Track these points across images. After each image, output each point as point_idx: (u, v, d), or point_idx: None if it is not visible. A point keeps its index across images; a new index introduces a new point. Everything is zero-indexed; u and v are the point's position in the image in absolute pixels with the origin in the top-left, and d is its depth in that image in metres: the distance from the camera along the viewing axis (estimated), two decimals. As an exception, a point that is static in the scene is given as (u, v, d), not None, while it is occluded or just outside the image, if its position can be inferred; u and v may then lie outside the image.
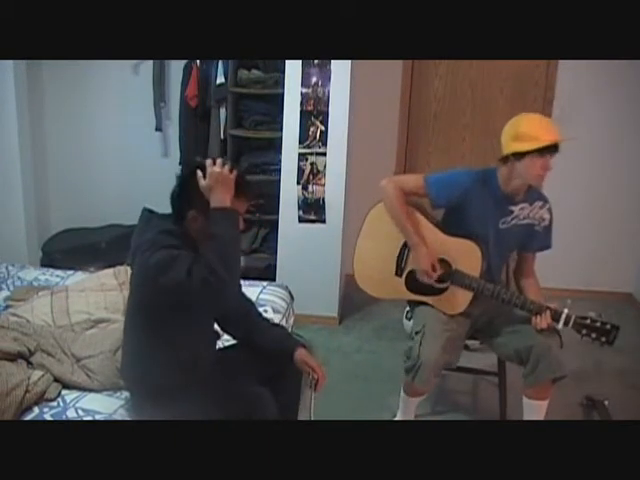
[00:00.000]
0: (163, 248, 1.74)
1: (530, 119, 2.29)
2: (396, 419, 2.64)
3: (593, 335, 2.22)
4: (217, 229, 1.75)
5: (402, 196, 2.40)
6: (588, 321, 2.23)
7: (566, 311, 2.23)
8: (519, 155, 2.25)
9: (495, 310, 2.46)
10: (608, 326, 2.23)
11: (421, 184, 2.39)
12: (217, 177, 1.79)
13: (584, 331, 2.23)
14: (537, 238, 2.47)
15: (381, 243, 2.51)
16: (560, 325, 2.23)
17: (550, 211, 2.47)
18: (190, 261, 1.70)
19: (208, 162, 1.82)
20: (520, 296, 2.35)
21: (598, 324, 2.22)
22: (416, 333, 2.36)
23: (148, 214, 1.94)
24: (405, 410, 2.58)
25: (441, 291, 2.42)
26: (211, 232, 1.75)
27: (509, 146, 2.29)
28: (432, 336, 2.31)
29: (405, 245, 2.46)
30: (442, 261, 2.40)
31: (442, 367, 2.35)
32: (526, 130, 2.25)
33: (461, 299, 2.39)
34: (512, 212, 2.40)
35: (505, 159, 2.32)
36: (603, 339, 2.22)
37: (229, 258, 1.72)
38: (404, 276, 2.49)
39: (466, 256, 2.37)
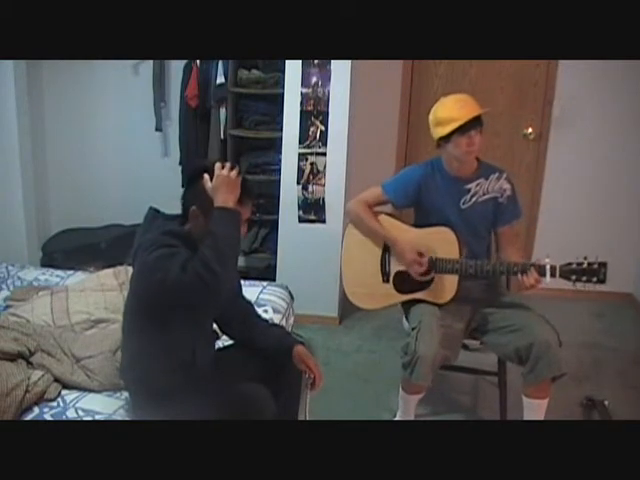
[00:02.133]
0: (162, 247, 1.75)
1: (445, 102, 2.39)
2: (396, 419, 2.64)
3: (584, 278, 2.23)
4: (217, 228, 1.75)
5: (367, 207, 2.54)
6: (574, 266, 2.24)
7: (548, 261, 2.24)
8: (445, 138, 2.36)
9: (490, 307, 2.47)
10: (595, 265, 2.23)
11: (380, 192, 2.54)
12: (224, 179, 1.80)
13: (573, 277, 2.24)
14: (505, 210, 2.49)
15: (362, 259, 2.59)
16: (548, 278, 2.24)
17: (509, 180, 2.50)
18: (186, 257, 1.71)
19: (217, 165, 1.82)
20: (502, 263, 2.38)
21: (585, 265, 2.23)
22: (412, 329, 2.37)
23: (153, 213, 1.95)
24: (405, 409, 2.57)
25: (428, 283, 2.46)
26: (211, 230, 1.75)
27: (434, 132, 2.41)
28: (428, 331, 2.32)
29: (384, 252, 2.54)
30: (421, 255, 2.45)
31: (440, 362, 2.35)
32: (442, 114, 2.36)
33: (449, 285, 2.43)
34: (469, 190, 2.45)
35: (438, 145, 2.44)
36: (594, 279, 2.22)
37: (225, 256, 1.71)
38: (391, 280, 2.54)
39: (442, 243, 2.42)
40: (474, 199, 2.46)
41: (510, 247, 2.53)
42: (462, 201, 2.45)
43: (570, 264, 2.24)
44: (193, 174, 1.91)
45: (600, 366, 3.33)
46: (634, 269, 4.12)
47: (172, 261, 1.70)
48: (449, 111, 2.35)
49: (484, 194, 2.46)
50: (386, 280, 2.55)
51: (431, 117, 2.42)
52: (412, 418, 2.59)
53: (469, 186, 2.45)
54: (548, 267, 2.24)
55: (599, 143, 3.98)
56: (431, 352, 2.27)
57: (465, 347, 2.95)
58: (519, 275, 2.30)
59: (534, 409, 2.37)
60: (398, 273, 2.52)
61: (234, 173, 1.81)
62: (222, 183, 1.80)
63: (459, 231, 2.43)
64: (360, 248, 2.58)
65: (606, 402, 2.84)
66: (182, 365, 1.90)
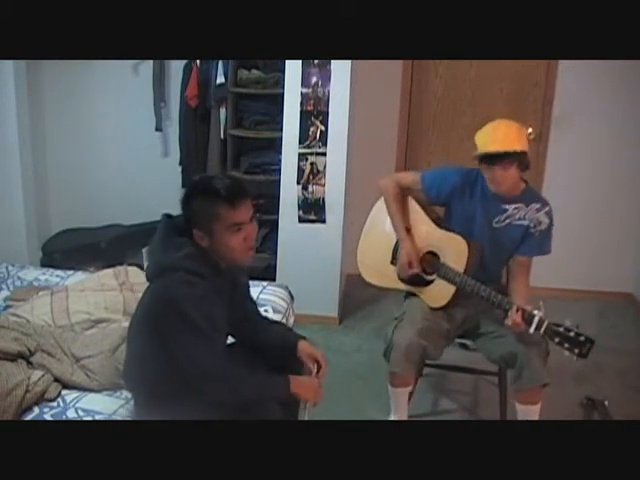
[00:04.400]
0: (188, 300, 1.76)
1: (486, 128, 2.31)
2: (390, 417, 2.64)
3: (566, 345, 2.13)
4: (271, 389, 1.89)
5: (398, 191, 2.53)
6: (561, 329, 2.14)
7: (538, 314, 2.17)
8: (478, 159, 2.31)
9: (481, 314, 2.45)
10: (582, 338, 2.12)
11: (417, 180, 2.51)
12: (314, 390, 1.97)
13: (557, 339, 2.15)
14: (532, 242, 2.41)
15: (382, 233, 2.62)
16: (532, 329, 2.17)
17: (549, 215, 2.41)
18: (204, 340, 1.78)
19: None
20: (498, 295, 2.31)
21: (572, 334, 2.13)
22: (395, 319, 2.42)
23: (167, 222, 1.92)
24: (395, 404, 2.57)
25: (428, 283, 2.47)
26: (266, 381, 1.89)
27: (477, 146, 2.33)
28: (408, 322, 2.37)
29: None
30: (431, 254, 2.46)
31: (417, 352, 2.34)
32: (478, 138, 2.31)
33: (444, 293, 2.42)
34: (506, 211, 2.39)
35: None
36: (576, 351, 2.12)
37: (255, 399, 1.86)
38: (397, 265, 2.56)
39: (454, 250, 2.40)
40: (508, 221, 2.39)
41: (521, 278, 2.44)
42: (496, 220, 2.39)
43: (559, 326, 2.15)
44: (189, 192, 1.85)
45: (600, 366, 3.33)
46: (634, 269, 4.12)
47: (195, 333, 1.77)
48: (482, 139, 2.29)
49: (519, 219, 2.39)
50: (394, 263, 2.57)
51: (482, 131, 2.33)
52: (405, 414, 2.58)
53: (507, 207, 2.38)
54: (536, 319, 2.17)
55: (599, 143, 3.98)
56: (406, 340, 2.30)
57: (465, 347, 2.95)
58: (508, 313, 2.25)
59: (526, 415, 2.36)
60: None
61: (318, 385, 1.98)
62: (311, 390, 1.95)
63: (482, 247, 2.39)
64: (383, 224, 2.60)
65: (606, 402, 2.84)
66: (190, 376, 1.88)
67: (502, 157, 2.23)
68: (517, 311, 2.21)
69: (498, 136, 2.27)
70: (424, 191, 2.49)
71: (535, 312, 2.18)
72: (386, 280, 2.62)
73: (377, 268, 2.64)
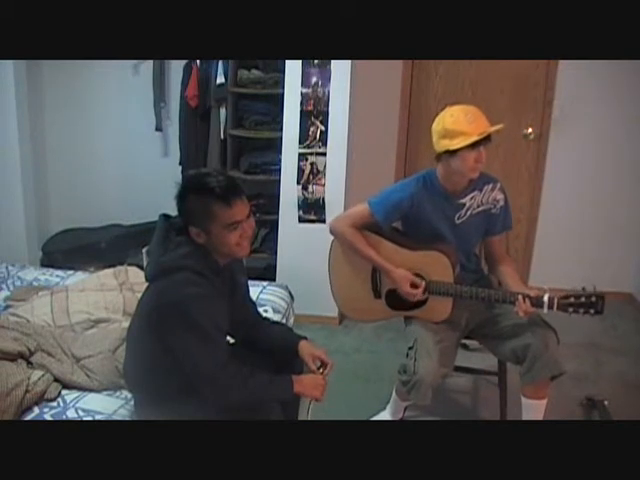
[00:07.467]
0: (192, 301, 1.76)
1: (454, 114, 2.24)
2: (386, 414, 2.67)
3: (581, 310, 2.18)
4: (275, 390, 1.89)
5: (356, 232, 2.40)
6: (572, 299, 2.18)
7: (547, 296, 2.19)
8: (451, 152, 2.23)
9: (486, 311, 2.44)
10: (593, 298, 2.17)
11: (367, 211, 2.39)
12: (317, 386, 1.96)
13: (570, 309, 2.18)
14: (497, 221, 2.43)
15: (351, 275, 2.51)
16: (545, 310, 2.19)
17: (502, 190, 2.41)
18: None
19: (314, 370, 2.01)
20: (497, 292, 2.32)
21: (583, 299, 2.17)
22: (409, 349, 2.33)
23: (164, 223, 1.92)
24: (396, 410, 2.62)
25: (422, 303, 2.40)
26: (271, 380, 1.88)
27: (439, 144, 2.27)
28: (425, 351, 2.27)
29: (374, 270, 2.46)
30: (415, 275, 2.37)
31: (439, 381, 2.33)
32: (453, 126, 2.21)
33: (444, 306, 2.38)
34: (464, 205, 2.37)
35: (439, 157, 2.31)
36: (592, 311, 2.17)
37: (255, 401, 1.85)
38: (383, 297, 2.48)
39: (436, 266, 2.34)
40: (468, 213, 2.38)
41: (504, 264, 2.44)
42: (457, 216, 2.37)
43: (568, 297, 2.18)
44: (184, 189, 1.84)
45: (600, 366, 3.33)
46: (634, 269, 4.12)
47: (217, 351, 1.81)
48: (460, 124, 2.20)
49: (478, 206, 2.38)
50: (378, 296, 2.48)
51: (438, 127, 2.27)
52: (400, 416, 2.63)
53: (463, 200, 2.36)
54: (546, 300, 2.18)
55: (599, 143, 3.98)
56: (431, 375, 2.24)
57: (465, 347, 2.95)
58: (514, 305, 2.24)
59: (532, 410, 2.36)
60: (390, 291, 2.45)
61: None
62: (316, 388, 1.95)
63: (452, 246, 2.37)
64: (348, 264, 2.50)
65: (606, 402, 2.84)
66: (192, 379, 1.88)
67: (487, 137, 2.21)
68: (524, 300, 2.21)
69: (477, 117, 2.23)
70: (378, 218, 2.37)
71: (545, 295, 2.19)
72: (378, 314, 2.52)
73: (363, 307, 2.53)
